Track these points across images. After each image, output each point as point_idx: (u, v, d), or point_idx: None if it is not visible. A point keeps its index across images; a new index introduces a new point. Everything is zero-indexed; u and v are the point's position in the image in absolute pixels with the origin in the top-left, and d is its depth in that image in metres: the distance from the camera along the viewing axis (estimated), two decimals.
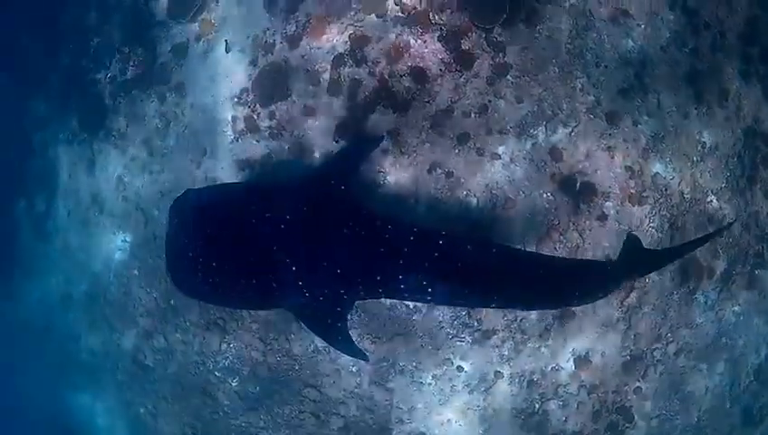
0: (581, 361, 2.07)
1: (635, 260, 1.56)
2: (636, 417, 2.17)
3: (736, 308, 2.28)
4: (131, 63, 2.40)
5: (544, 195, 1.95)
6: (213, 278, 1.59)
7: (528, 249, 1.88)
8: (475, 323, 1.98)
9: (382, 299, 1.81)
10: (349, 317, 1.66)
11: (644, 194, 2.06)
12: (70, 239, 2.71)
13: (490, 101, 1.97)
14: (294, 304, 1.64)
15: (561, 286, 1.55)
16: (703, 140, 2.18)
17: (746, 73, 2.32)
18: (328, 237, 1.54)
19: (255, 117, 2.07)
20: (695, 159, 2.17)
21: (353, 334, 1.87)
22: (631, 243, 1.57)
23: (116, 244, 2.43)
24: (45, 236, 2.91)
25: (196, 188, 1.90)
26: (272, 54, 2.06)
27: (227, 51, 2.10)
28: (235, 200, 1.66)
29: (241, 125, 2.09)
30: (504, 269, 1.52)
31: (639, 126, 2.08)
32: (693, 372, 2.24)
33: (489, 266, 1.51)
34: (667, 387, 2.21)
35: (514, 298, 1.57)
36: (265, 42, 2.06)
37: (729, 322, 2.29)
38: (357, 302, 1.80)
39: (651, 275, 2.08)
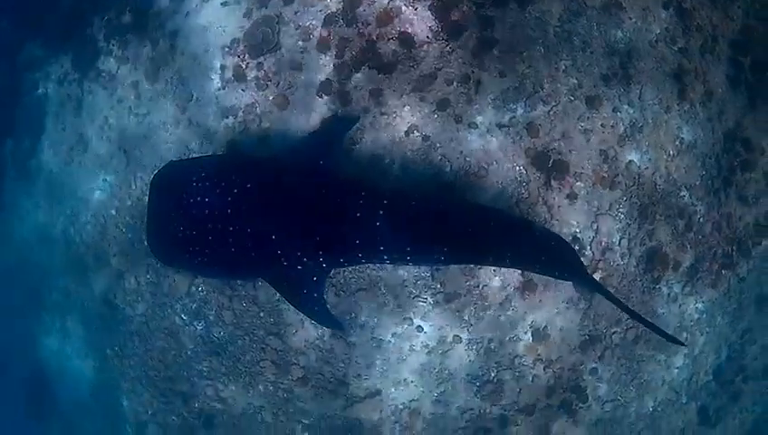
0: (540, 334, 2.18)
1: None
2: (590, 398, 2.28)
3: (700, 305, 2.40)
4: (129, 8, 2.54)
5: (517, 168, 2.06)
6: (192, 249, 1.68)
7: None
8: (438, 286, 2.09)
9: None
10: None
11: (616, 179, 2.17)
12: (52, 178, 2.81)
13: (473, 72, 2.08)
14: (273, 274, 1.74)
15: (543, 253, 1.67)
16: (682, 135, 2.30)
17: (735, 80, 2.43)
18: (305, 207, 1.65)
19: (244, 67, 2.18)
20: (671, 152, 2.28)
21: None
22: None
23: (97, 183, 2.53)
24: (28, 175, 3.00)
25: (177, 160, 2.03)
26: (266, 8, 2.18)
27: (224, 3, 2.19)
28: (215, 172, 1.75)
29: (229, 74, 2.20)
30: (481, 227, 1.63)
31: (619, 114, 2.19)
32: (650, 361, 2.36)
33: (467, 224, 1.63)
34: (624, 373, 2.31)
35: (491, 254, 1.67)
36: None
37: (691, 317, 2.40)
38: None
39: (616, 259, 2.17)
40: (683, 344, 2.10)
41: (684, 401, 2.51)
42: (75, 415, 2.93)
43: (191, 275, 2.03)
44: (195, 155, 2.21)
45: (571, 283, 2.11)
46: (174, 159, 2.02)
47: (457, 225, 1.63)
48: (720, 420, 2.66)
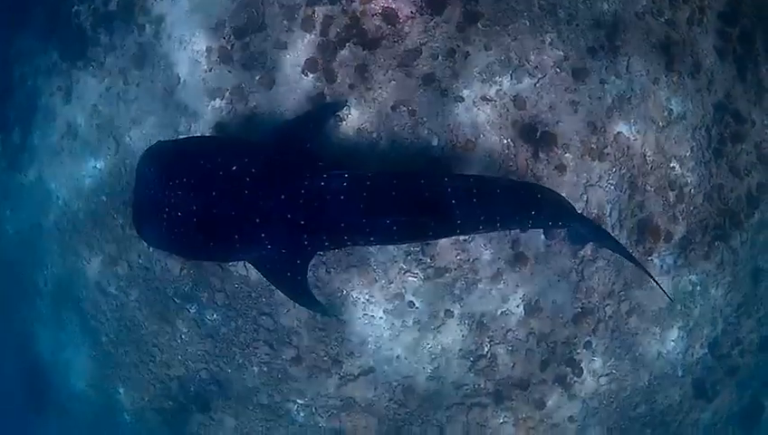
0: (532, 308, 2.19)
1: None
2: (585, 372, 2.29)
3: (693, 277, 2.41)
4: None
5: (504, 140, 2.08)
6: (178, 230, 1.68)
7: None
8: (428, 260, 2.10)
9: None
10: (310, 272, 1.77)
11: (605, 150, 2.18)
12: (43, 169, 2.80)
13: (458, 46, 2.09)
14: (257, 256, 1.75)
15: (522, 202, 1.70)
16: (671, 107, 2.31)
17: (723, 51, 2.44)
18: (290, 190, 1.65)
19: (229, 48, 2.19)
20: (660, 124, 2.29)
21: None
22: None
23: (87, 170, 2.54)
24: (19, 166, 2.99)
25: (167, 140, 2.01)
26: None
27: None
28: (202, 153, 1.76)
29: (215, 56, 2.21)
30: (463, 196, 1.64)
31: (606, 85, 2.20)
32: (645, 334, 2.37)
33: (448, 196, 1.63)
34: (618, 346, 2.33)
35: (474, 222, 1.69)
36: None
37: (685, 289, 2.42)
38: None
39: (607, 230, 2.15)
40: (671, 299, 2.10)
41: (680, 375, 2.52)
42: (73, 405, 2.93)
43: (176, 256, 2.02)
44: (183, 136, 2.23)
45: (560, 254, 2.11)
46: (162, 139, 2.02)
47: (442, 198, 1.63)
48: (717, 395, 2.66)
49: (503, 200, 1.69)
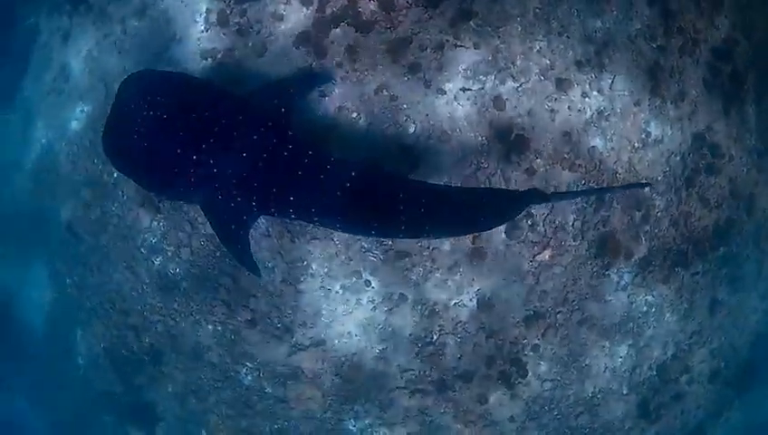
0: (484, 303, 2.26)
1: (536, 193, 1.75)
2: (530, 374, 2.36)
3: (649, 298, 2.49)
4: None
5: (479, 138, 2.15)
6: (140, 156, 1.76)
7: (450, 184, 2.03)
8: (389, 242, 2.16)
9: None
10: (257, 223, 1.80)
11: (577, 162, 2.26)
12: (31, 107, 2.87)
13: (448, 41, 2.16)
14: (207, 202, 1.81)
15: (464, 213, 1.74)
16: (649, 129, 2.38)
17: (711, 84, 2.52)
18: (253, 149, 1.71)
19: (228, 12, 2.25)
20: (636, 144, 2.37)
21: (274, 230, 2.08)
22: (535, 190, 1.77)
23: (74, 114, 2.59)
24: (10, 102, 3.07)
25: (152, 69, 2.07)
26: None
27: None
28: (183, 91, 1.83)
29: (213, 18, 2.27)
30: (413, 200, 1.68)
31: (587, 99, 2.28)
32: (594, 346, 2.45)
33: (399, 198, 1.68)
34: (566, 354, 2.40)
35: (420, 228, 1.74)
36: None
37: (640, 309, 2.50)
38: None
39: (568, 239, 2.27)
40: (649, 184, 2.15)
41: (624, 392, 2.59)
42: (29, 342, 2.98)
43: (132, 180, 1.99)
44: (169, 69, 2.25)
45: (518, 255, 2.12)
46: (148, 68, 2.06)
47: (393, 202, 1.66)
48: (660, 417, 2.74)
49: (450, 212, 1.71)
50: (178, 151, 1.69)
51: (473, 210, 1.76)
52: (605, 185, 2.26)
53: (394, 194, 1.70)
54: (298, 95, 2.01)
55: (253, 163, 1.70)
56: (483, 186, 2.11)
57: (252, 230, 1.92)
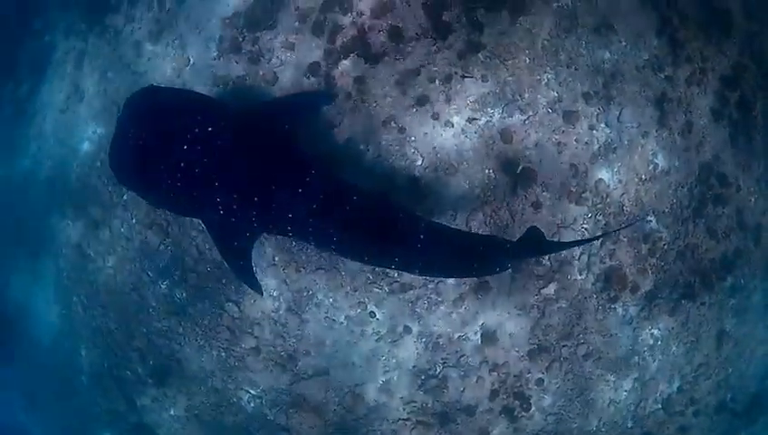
0: (489, 337, 2.25)
1: (534, 244, 1.73)
2: (533, 408, 2.35)
3: (655, 332, 2.47)
4: None
5: (486, 170, 2.15)
6: (146, 173, 1.79)
7: (455, 219, 2.04)
8: (395, 275, 2.17)
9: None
10: (263, 251, 1.83)
11: (583, 195, 2.26)
12: (45, 124, 2.91)
13: (456, 73, 2.17)
14: (209, 217, 1.83)
15: (457, 257, 1.73)
16: (656, 161, 2.38)
17: (719, 113, 2.51)
18: (255, 166, 1.73)
19: (240, 39, 2.29)
20: (643, 176, 2.37)
21: (281, 259, 2.09)
22: (534, 231, 1.75)
23: (87, 134, 2.64)
24: (24, 117, 3.12)
25: (156, 85, 2.15)
26: None
27: None
28: (187, 107, 1.85)
29: (226, 45, 2.31)
30: (408, 234, 1.67)
31: (595, 132, 2.28)
32: (599, 380, 2.42)
33: (395, 229, 1.68)
34: (570, 388, 2.38)
35: (412, 264, 1.74)
36: None
37: (646, 343, 2.48)
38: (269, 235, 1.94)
39: (573, 273, 2.27)
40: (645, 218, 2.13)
41: (629, 426, 2.56)
42: (34, 358, 3.01)
43: (138, 195, 2.01)
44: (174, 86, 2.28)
45: (523, 289, 2.13)
46: (154, 84, 2.14)
47: (389, 231, 1.65)
48: None
49: (445, 254, 1.69)
50: (181, 166, 1.71)
51: (468, 256, 1.74)
52: (611, 217, 2.20)
53: (392, 225, 1.69)
54: (300, 113, 2.04)
55: (252, 180, 1.71)
56: (488, 219, 2.08)
57: (258, 259, 1.96)
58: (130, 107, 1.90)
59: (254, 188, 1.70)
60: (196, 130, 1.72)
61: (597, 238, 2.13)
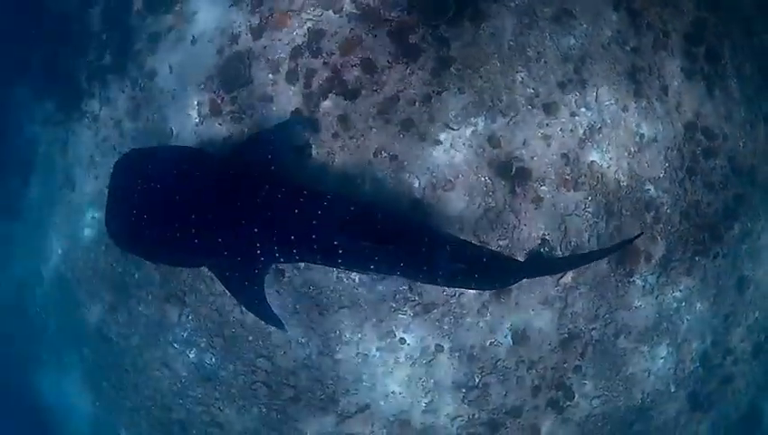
0: (519, 336, 2.28)
1: (538, 262, 1.85)
2: (577, 395, 2.37)
3: (677, 294, 2.50)
4: (108, 50, 2.70)
5: (482, 178, 2.20)
6: (143, 232, 1.82)
7: (463, 231, 2.06)
8: (416, 298, 2.19)
9: (330, 271, 2.01)
10: (284, 303, 1.85)
11: (580, 180, 2.30)
12: (42, 218, 2.94)
13: (434, 91, 2.22)
14: (215, 263, 1.87)
15: (464, 268, 1.75)
16: (641, 131, 2.43)
17: (690, 71, 2.56)
18: (247, 201, 1.77)
19: (219, 101, 2.33)
20: (632, 149, 2.41)
21: (302, 307, 2.11)
22: (536, 252, 1.85)
23: (85, 221, 2.67)
24: (18, 215, 3.14)
25: (138, 148, 2.17)
26: (237, 44, 2.34)
27: (194, 42, 2.36)
28: (172, 163, 1.90)
29: (206, 109, 2.35)
30: (411, 241, 1.72)
31: (577, 117, 2.33)
32: (633, 353, 2.45)
33: (396, 236, 1.70)
34: (608, 367, 2.41)
35: (417, 270, 1.77)
36: (232, 33, 2.33)
37: (670, 307, 2.51)
38: (299, 273, 1.99)
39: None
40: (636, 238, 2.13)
41: (673, 390, 2.58)
42: None
43: (140, 257, 2.06)
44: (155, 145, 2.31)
45: (542, 283, 2.15)
46: (137, 147, 2.16)
47: (390, 238, 1.67)
48: (713, 405, 2.73)
49: (446, 258, 1.72)
50: (177, 218, 1.73)
51: (468, 268, 1.76)
52: (611, 195, 2.22)
53: (392, 231, 1.69)
54: (280, 142, 2.04)
55: (249, 214, 1.73)
56: (494, 225, 2.08)
57: (280, 311, 1.93)
58: (117, 173, 1.94)
59: (254, 221, 1.72)
60: (183, 181, 1.77)
61: (599, 257, 2.04)
